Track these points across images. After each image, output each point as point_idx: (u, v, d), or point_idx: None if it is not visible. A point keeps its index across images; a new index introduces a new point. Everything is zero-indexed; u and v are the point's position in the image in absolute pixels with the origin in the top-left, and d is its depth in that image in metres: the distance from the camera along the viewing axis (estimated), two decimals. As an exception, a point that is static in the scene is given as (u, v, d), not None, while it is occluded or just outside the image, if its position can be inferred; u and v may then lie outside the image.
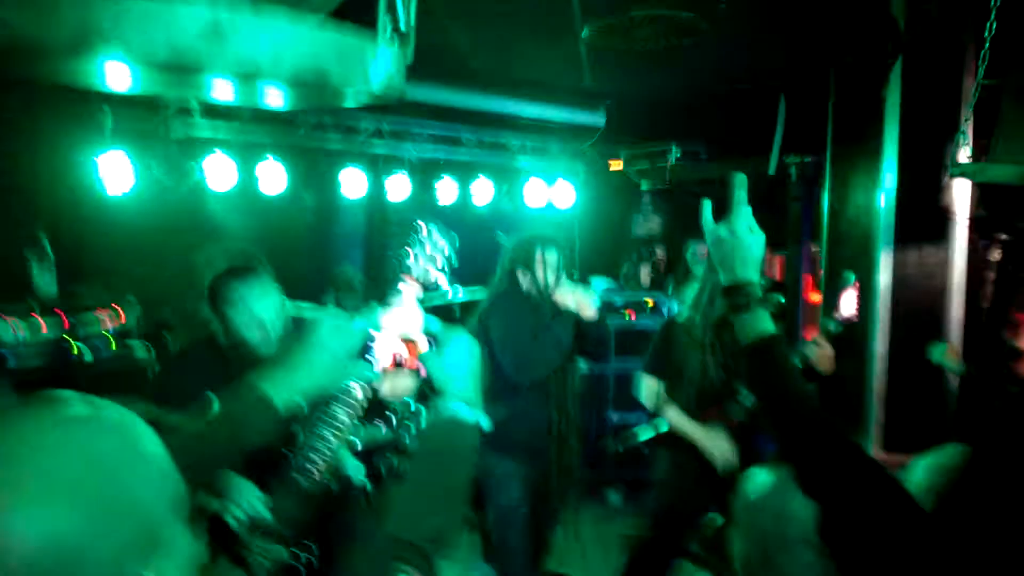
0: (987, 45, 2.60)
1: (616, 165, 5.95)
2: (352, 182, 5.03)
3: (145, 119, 4.19)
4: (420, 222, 2.10)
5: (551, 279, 3.03)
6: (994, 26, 2.60)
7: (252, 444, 1.33)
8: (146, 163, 4.06)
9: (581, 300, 2.95)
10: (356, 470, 2.51)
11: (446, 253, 2.11)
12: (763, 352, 1.29)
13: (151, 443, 0.77)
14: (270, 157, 4.62)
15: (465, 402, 1.26)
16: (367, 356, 1.41)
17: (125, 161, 4.00)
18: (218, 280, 2.31)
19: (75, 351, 2.93)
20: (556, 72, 4.81)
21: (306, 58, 1.54)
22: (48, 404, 0.74)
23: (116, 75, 1.67)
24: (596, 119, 5.37)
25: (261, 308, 2.31)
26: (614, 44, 3.90)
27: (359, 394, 2.12)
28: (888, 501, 1.07)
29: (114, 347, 3.06)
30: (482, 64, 4.60)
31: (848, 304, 2.75)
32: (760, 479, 1.42)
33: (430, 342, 1.39)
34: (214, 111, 4.39)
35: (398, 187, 5.23)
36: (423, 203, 5.47)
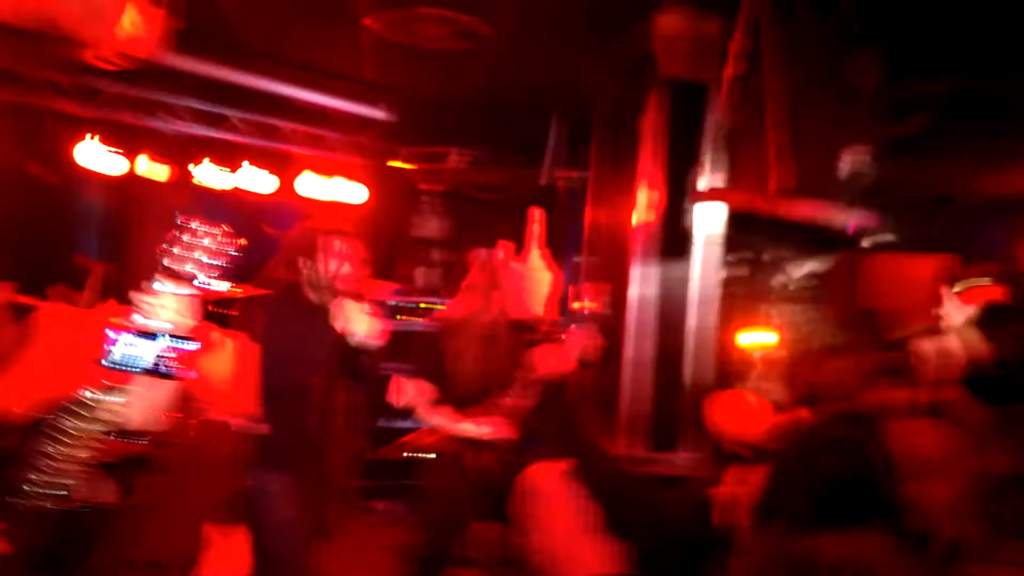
0: (727, 86, 2.91)
1: (397, 163, 5.88)
2: (91, 154, 4.45)
3: None
4: (185, 215, 1.91)
5: (335, 272, 2.77)
6: (738, 68, 2.90)
7: None
8: None
9: (351, 320, 2.68)
10: (99, 487, 2.20)
11: (213, 248, 1.93)
12: (554, 389, 1.28)
13: None
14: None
15: (226, 408, 1.14)
16: (108, 356, 1.23)
17: None
18: None
19: None
20: (339, 60, 4.64)
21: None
22: None
23: None
24: (377, 113, 5.25)
25: None
26: (398, 38, 3.85)
27: (89, 401, 1.86)
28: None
29: None
30: (258, 42, 4.31)
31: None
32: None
33: (198, 345, 1.24)
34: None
35: (149, 165, 4.72)
36: (183, 185, 5.00)
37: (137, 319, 1.34)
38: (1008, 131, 3.62)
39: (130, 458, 3.46)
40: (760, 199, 2.87)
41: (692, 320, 3.20)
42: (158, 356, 1.25)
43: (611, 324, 3.45)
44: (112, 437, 2.08)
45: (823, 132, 2.72)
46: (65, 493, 1.87)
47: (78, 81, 4.15)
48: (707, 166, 3.07)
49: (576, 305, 4.91)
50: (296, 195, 5.50)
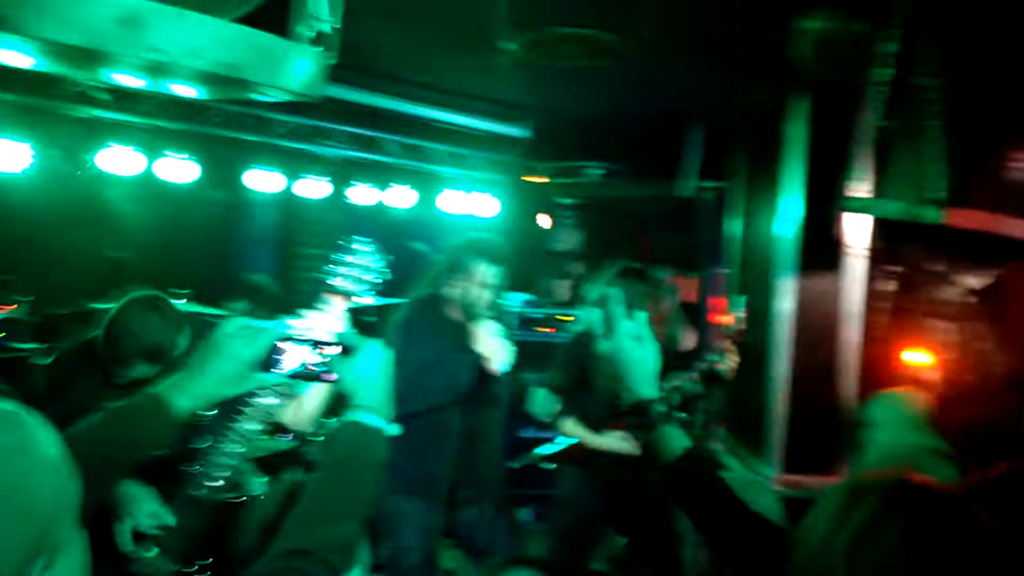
0: (884, 88, 2.77)
1: (537, 178, 6.01)
2: (264, 178, 4.88)
3: (45, 100, 3.95)
4: (350, 237, 2.07)
5: (482, 298, 2.71)
6: (891, 72, 2.76)
7: (145, 449, 1.28)
8: (45, 147, 3.83)
9: (494, 350, 2.62)
10: (256, 482, 2.43)
11: (372, 268, 2.08)
12: (685, 472, 1.25)
13: (45, 440, 0.75)
14: (175, 148, 4.43)
15: (373, 411, 1.24)
16: (275, 365, 1.37)
17: (23, 146, 3.77)
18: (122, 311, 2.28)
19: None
20: (480, 82, 4.83)
21: (221, 53, 1.49)
22: None
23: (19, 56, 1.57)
24: (519, 131, 5.41)
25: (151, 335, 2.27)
26: (538, 59, 3.95)
27: (265, 405, 2.07)
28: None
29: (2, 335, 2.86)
30: (406, 68, 4.56)
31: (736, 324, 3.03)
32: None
33: (344, 350, 1.36)
34: (120, 94, 4.17)
35: (313, 187, 5.11)
36: (338, 205, 5.36)
37: (299, 327, 1.49)
38: None
39: (280, 454, 3.74)
40: (915, 209, 2.71)
41: (847, 335, 3.06)
42: (313, 361, 1.38)
43: (750, 340, 3.36)
44: (267, 435, 2.27)
45: (986, 137, 2.53)
46: (222, 484, 2.06)
47: (248, 112, 4.58)
48: (857, 174, 2.94)
49: (720, 320, 4.80)
50: (437, 211, 5.75)
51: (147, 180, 4.35)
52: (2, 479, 0.69)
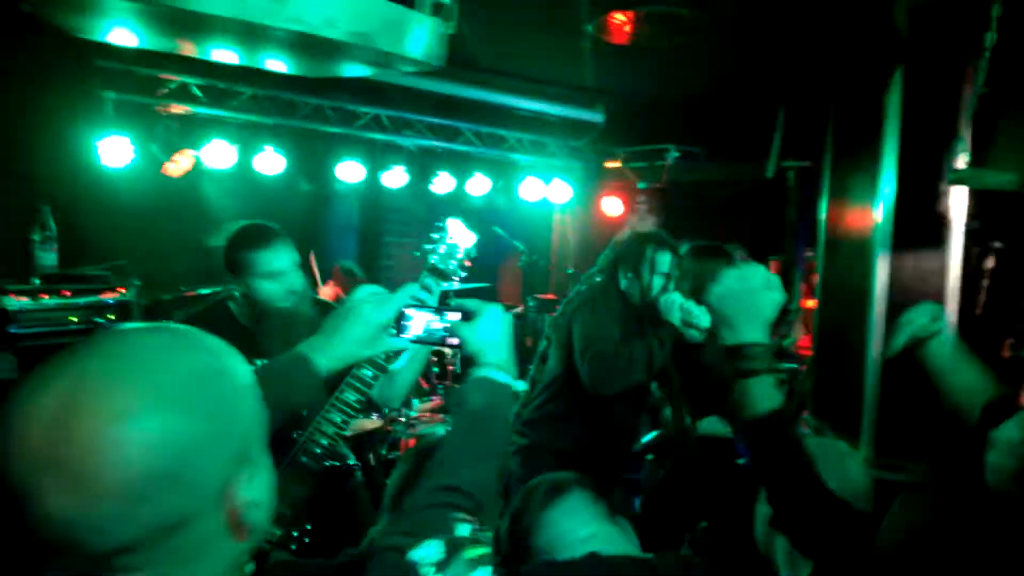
0: (986, 55, 2.64)
1: (613, 163, 5.98)
2: (349, 168, 5.02)
3: (145, 97, 4.17)
4: (448, 218, 2.13)
5: (658, 285, 2.77)
6: (994, 37, 2.63)
7: (294, 406, 1.41)
8: (144, 142, 4.04)
9: (689, 315, 2.67)
10: (348, 453, 2.52)
11: (468, 248, 2.13)
12: (768, 431, 1.17)
13: (242, 368, 0.83)
14: (269, 142, 4.61)
15: (501, 369, 1.29)
16: (403, 330, 1.44)
17: (124, 141, 3.98)
18: (237, 249, 2.29)
19: (73, 319, 2.92)
20: (556, 67, 4.83)
21: (356, 22, 1.55)
22: (152, 329, 0.80)
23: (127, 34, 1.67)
24: (594, 116, 5.38)
25: (281, 267, 2.28)
26: (618, 39, 3.92)
27: (363, 375, 2.14)
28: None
29: (113, 318, 3.06)
30: (482, 55, 4.60)
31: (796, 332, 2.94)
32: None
33: (464, 316, 1.41)
34: (214, 92, 4.37)
35: (395, 176, 5.23)
36: (419, 193, 5.46)
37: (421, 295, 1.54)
38: None
39: (368, 433, 3.83)
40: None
41: (951, 318, 2.94)
42: (437, 327, 1.43)
43: (845, 320, 3.26)
44: (359, 412, 2.34)
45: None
46: (324, 452, 2.14)
47: (333, 104, 4.72)
48: (963, 144, 2.81)
49: (809, 304, 4.68)
50: (517, 198, 5.79)
51: (242, 173, 4.55)
52: (210, 396, 0.76)
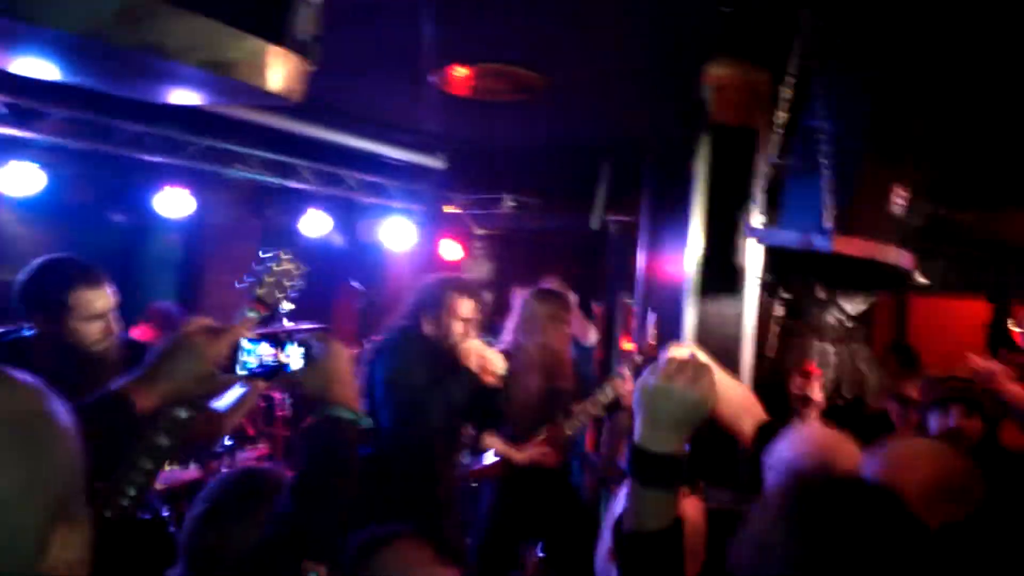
0: (777, 130, 3.03)
1: (452, 209, 6.10)
2: (172, 201, 4.75)
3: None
4: (275, 249, 2.08)
5: (458, 329, 2.83)
6: (783, 115, 3.03)
7: (110, 452, 1.35)
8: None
9: (486, 361, 2.75)
10: (160, 505, 2.35)
11: (296, 280, 2.09)
12: (652, 550, 1.08)
13: (63, 412, 0.75)
14: (78, 168, 4.26)
15: (345, 407, 1.28)
16: (236, 364, 1.39)
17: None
18: (57, 289, 2.12)
19: None
20: (400, 112, 4.89)
21: (215, 52, 1.50)
22: None
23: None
24: (435, 162, 5.49)
25: (105, 309, 2.15)
26: (459, 91, 4.06)
27: (185, 418, 2.02)
28: None
29: None
30: (324, 94, 4.58)
31: (647, 336, 3.22)
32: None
33: (306, 350, 1.39)
34: (18, 112, 3.99)
35: (222, 210, 5.01)
36: (247, 229, 5.27)
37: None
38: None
39: (185, 484, 3.58)
40: (807, 237, 2.96)
41: (743, 356, 3.27)
42: (272, 360, 1.41)
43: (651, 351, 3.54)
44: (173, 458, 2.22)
45: (874, 173, 2.81)
46: (131, 503, 2.01)
47: (158, 132, 4.46)
48: (756, 205, 3.18)
49: (627, 346, 5.00)
50: (355, 239, 5.74)
51: (46, 201, 4.16)
52: (30, 442, 0.69)
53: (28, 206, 4.21)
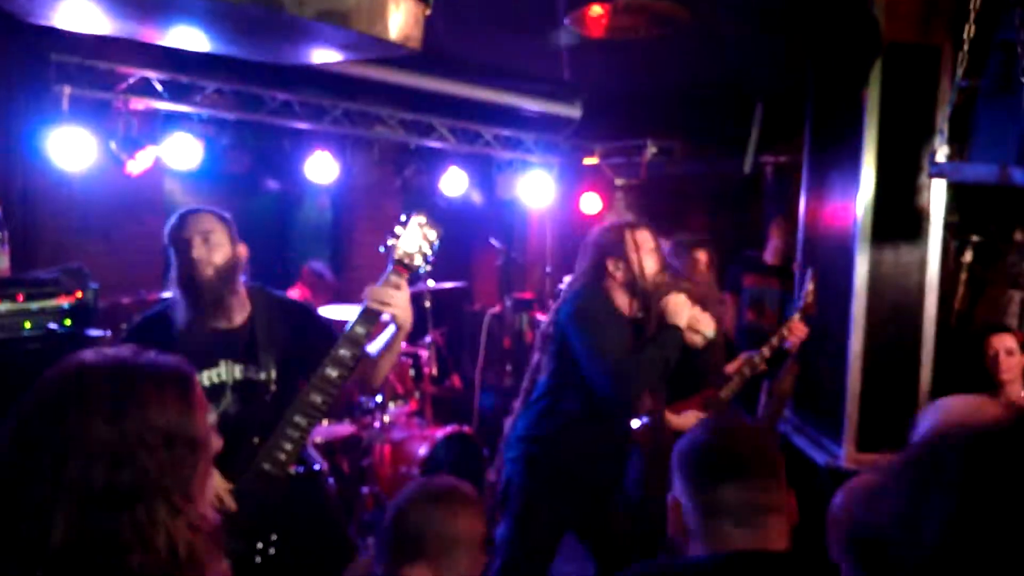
0: (964, 47, 2.61)
1: (591, 160, 5.91)
2: (319, 166, 4.89)
3: (103, 92, 4.01)
4: (411, 212, 2.09)
5: (651, 268, 2.60)
6: (972, 29, 2.60)
7: None
8: (103, 139, 3.89)
9: (695, 321, 2.53)
10: (316, 458, 2.42)
11: (433, 242, 2.09)
12: None
13: None
14: (233, 138, 4.46)
15: None
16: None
17: (82, 136, 3.82)
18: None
19: (27, 325, 2.79)
20: (533, 62, 4.75)
21: (329, 1, 1.47)
22: None
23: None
24: (572, 111, 5.31)
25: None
26: (596, 33, 3.86)
27: (336, 377, 2.05)
28: None
29: (68, 323, 2.92)
30: (457, 49, 4.51)
31: (807, 295, 2.96)
32: None
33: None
34: (176, 86, 4.22)
35: (365, 174, 5.11)
36: (390, 190, 5.35)
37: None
38: None
39: (337, 439, 3.70)
40: (1005, 171, 2.55)
41: (930, 311, 2.91)
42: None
43: (821, 315, 3.22)
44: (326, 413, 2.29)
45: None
46: (287, 458, 2.07)
47: (302, 99, 4.58)
48: (942, 137, 2.78)
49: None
50: (494, 195, 5.71)
51: (206, 171, 4.40)
52: None
53: (191, 177, 4.48)
